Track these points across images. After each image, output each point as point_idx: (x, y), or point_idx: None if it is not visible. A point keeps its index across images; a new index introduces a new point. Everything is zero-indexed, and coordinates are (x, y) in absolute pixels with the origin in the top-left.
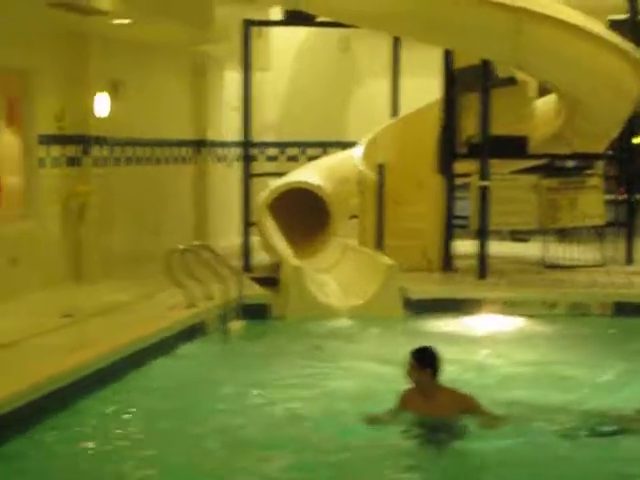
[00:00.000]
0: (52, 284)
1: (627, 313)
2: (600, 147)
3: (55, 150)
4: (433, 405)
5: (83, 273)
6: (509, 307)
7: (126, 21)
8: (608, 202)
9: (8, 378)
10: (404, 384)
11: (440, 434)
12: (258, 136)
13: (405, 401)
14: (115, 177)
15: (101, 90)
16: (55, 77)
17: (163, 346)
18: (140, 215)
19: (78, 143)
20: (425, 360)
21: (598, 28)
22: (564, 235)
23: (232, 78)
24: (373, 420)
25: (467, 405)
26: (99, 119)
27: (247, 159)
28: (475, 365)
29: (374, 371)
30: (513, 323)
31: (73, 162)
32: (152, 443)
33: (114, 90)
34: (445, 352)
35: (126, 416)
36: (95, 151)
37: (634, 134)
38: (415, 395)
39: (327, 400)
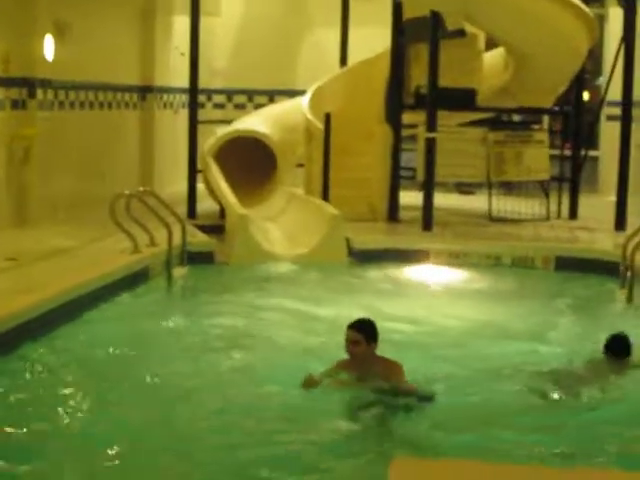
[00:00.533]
0: None
1: (570, 267)
2: (547, 102)
3: (0, 92)
4: (370, 374)
5: (27, 217)
6: (453, 259)
7: None
8: (554, 157)
9: None
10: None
11: (381, 401)
12: (206, 83)
13: (341, 369)
14: (61, 121)
15: (47, 32)
16: (0, 18)
17: (107, 291)
18: (86, 160)
19: (23, 86)
20: (365, 331)
21: None
22: (510, 189)
23: (181, 23)
24: (310, 383)
25: (397, 375)
26: (45, 62)
27: (194, 106)
28: (414, 318)
29: (314, 317)
30: (456, 275)
31: (17, 105)
32: (92, 389)
33: (60, 32)
34: (386, 304)
35: (69, 361)
36: (40, 94)
37: (581, 89)
38: (352, 365)
39: (267, 350)
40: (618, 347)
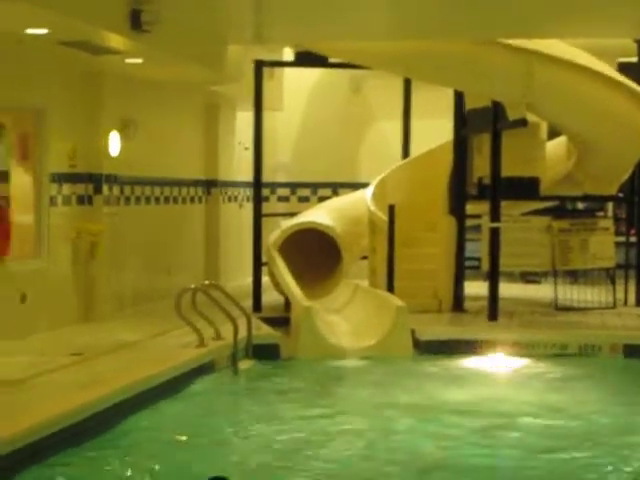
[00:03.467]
0: (62, 323)
1: (638, 355)
2: (611, 189)
3: (66, 188)
4: None
5: (94, 312)
6: (520, 348)
7: (138, 60)
8: (619, 244)
9: (17, 415)
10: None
11: None
12: (270, 176)
13: None
14: (126, 216)
15: (113, 129)
16: (68, 115)
17: (173, 385)
18: (151, 254)
19: (89, 181)
20: None
21: (608, 70)
22: (575, 277)
23: (244, 118)
24: None
25: None
26: (111, 158)
27: (258, 199)
28: (485, 406)
29: (380, 415)
30: (523, 364)
31: (84, 200)
32: None
33: (125, 129)
34: (452, 395)
35: (137, 455)
36: (106, 190)
37: None
38: None
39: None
40: None
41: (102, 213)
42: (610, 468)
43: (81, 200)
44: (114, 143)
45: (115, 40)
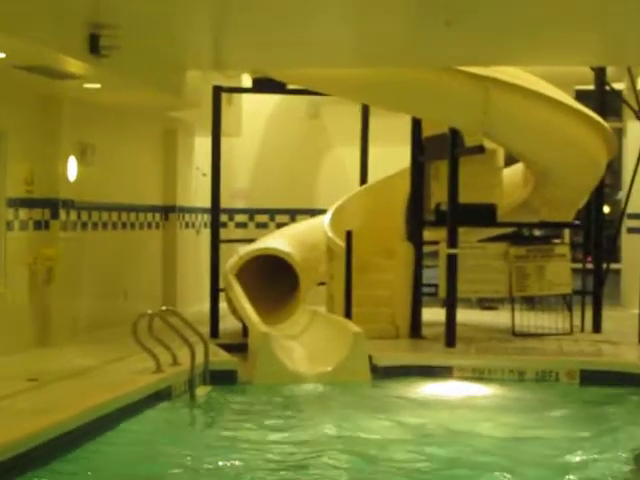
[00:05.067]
0: (18, 348)
1: (594, 381)
2: (568, 216)
3: (23, 213)
4: None
5: (50, 337)
6: (477, 374)
7: (97, 85)
8: (576, 270)
9: None
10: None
11: None
12: (228, 202)
13: None
14: (83, 241)
15: (71, 153)
16: (25, 139)
17: (129, 411)
18: (108, 280)
19: (46, 206)
20: None
21: (565, 98)
22: (532, 303)
23: (202, 143)
24: None
25: None
26: (68, 182)
27: (216, 225)
28: (441, 432)
29: (335, 439)
30: (481, 390)
31: (40, 226)
32: None
33: (83, 154)
34: (410, 421)
35: None
36: (63, 215)
37: (601, 203)
38: None
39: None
40: None
41: (59, 238)
42: None
43: (38, 225)
44: (72, 168)
45: (73, 65)
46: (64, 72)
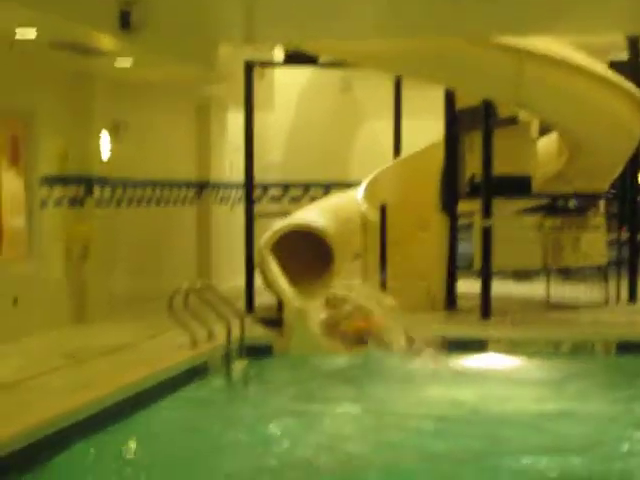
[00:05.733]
0: (55, 325)
1: (631, 351)
2: (602, 186)
3: (57, 191)
4: None
5: (86, 314)
6: (512, 346)
7: (128, 61)
8: (611, 241)
9: (9, 418)
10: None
11: None
12: (261, 177)
13: None
14: (117, 218)
15: (104, 130)
16: (58, 118)
17: (167, 386)
18: (143, 256)
19: (80, 184)
20: None
21: (599, 68)
22: (568, 274)
23: (235, 118)
24: None
25: None
26: (102, 160)
27: (250, 200)
28: (479, 405)
29: (375, 411)
30: (517, 362)
31: (75, 203)
32: None
33: (116, 131)
34: (447, 392)
35: (130, 458)
36: (97, 192)
37: (636, 173)
38: None
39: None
40: None
41: (94, 215)
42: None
43: (72, 202)
44: (105, 145)
45: (104, 41)
46: (95, 48)
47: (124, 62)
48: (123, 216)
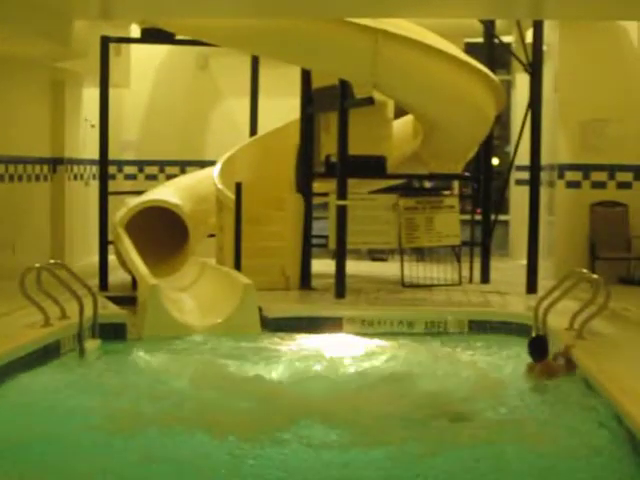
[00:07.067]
0: None
1: (483, 330)
2: (457, 168)
3: None
4: None
5: None
6: (366, 326)
7: None
8: (465, 222)
9: None
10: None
11: None
12: (117, 154)
13: None
14: None
15: None
16: None
17: (17, 365)
18: None
19: None
20: None
21: (455, 50)
22: (422, 254)
23: (91, 95)
24: None
25: None
26: None
27: (104, 177)
28: (329, 382)
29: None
30: (370, 341)
31: None
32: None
33: None
34: (300, 370)
35: None
36: None
37: (490, 155)
38: None
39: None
40: None
41: None
42: None
43: None
44: None
45: None
46: None
47: None
48: None
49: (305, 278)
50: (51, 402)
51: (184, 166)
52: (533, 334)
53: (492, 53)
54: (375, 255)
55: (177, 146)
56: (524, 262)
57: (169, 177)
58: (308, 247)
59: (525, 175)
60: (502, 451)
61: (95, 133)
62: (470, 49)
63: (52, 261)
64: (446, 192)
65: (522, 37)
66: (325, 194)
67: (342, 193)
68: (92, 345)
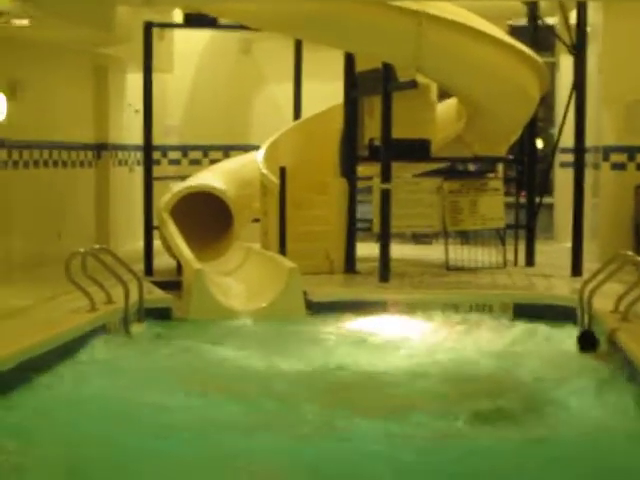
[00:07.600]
0: None
1: (527, 313)
2: (501, 150)
3: None
4: None
5: None
6: (411, 309)
7: (25, 21)
8: (509, 205)
9: None
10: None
11: None
12: (160, 139)
13: None
14: (14, 181)
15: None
16: None
17: (65, 350)
18: (41, 219)
19: None
20: None
21: (498, 32)
22: (466, 237)
23: (134, 80)
24: None
25: None
26: None
27: (149, 162)
28: (376, 365)
29: (272, 371)
30: (415, 324)
31: None
32: (57, 449)
33: (12, 91)
34: (344, 356)
35: (28, 424)
36: None
37: (534, 137)
38: None
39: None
40: None
41: None
42: None
43: None
44: (1, 106)
45: (0, 1)
46: None
47: (21, 22)
48: (20, 179)
49: (349, 262)
50: (95, 385)
51: (228, 150)
52: (579, 325)
53: (536, 35)
54: (419, 238)
55: (221, 131)
56: (569, 245)
57: (213, 162)
58: (352, 231)
59: (570, 157)
60: None
61: (139, 118)
62: (514, 31)
63: (97, 246)
64: (490, 175)
65: (566, 19)
66: (369, 178)
67: (386, 177)
68: (138, 328)
